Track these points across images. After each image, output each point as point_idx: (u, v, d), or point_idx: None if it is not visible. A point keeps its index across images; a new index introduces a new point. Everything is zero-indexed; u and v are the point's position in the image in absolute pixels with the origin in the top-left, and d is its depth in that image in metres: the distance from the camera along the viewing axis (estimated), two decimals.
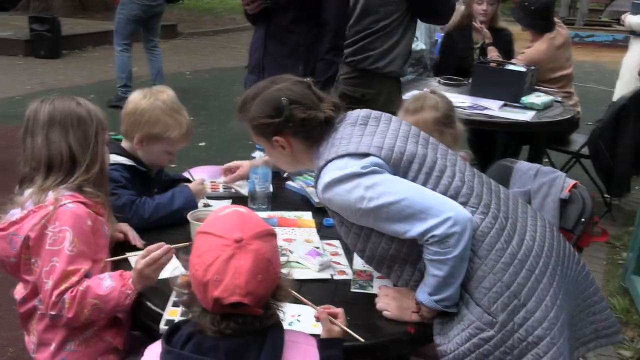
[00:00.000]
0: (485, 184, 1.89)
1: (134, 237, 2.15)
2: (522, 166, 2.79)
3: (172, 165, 2.50)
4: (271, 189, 2.46)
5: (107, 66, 7.31)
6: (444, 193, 1.77)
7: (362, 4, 3.51)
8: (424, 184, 1.77)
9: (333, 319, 1.64)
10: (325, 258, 2.07)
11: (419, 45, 4.93)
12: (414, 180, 1.77)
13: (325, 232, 2.31)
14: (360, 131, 1.84)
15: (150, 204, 2.26)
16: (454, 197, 1.77)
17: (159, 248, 1.82)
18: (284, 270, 1.47)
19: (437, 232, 1.65)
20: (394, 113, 2.15)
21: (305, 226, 2.33)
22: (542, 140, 4.71)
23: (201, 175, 2.56)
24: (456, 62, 5.20)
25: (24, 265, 1.88)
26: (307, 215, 2.42)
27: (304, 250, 2.09)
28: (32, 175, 1.92)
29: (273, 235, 1.43)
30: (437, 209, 1.68)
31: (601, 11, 16.97)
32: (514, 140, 4.71)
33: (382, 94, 3.61)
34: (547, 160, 5.03)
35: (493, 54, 5.01)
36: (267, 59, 3.21)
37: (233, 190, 2.62)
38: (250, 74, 3.34)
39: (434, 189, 1.77)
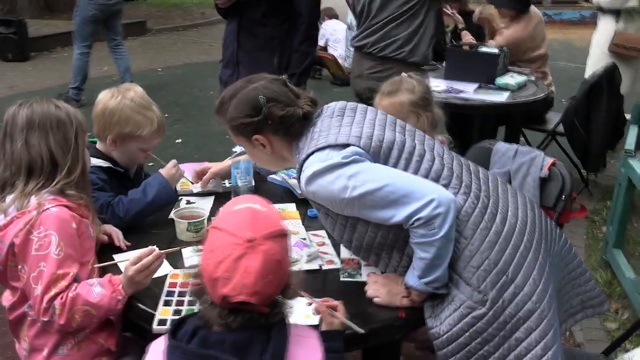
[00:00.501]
0: (464, 166, 1.92)
1: (119, 239, 2.14)
2: (501, 147, 2.83)
3: (150, 164, 2.48)
4: (253, 183, 2.46)
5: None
6: (425, 177, 1.79)
7: None
8: (405, 169, 1.80)
9: (333, 312, 1.66)
10: (312, 249, 2.08)
11: None
12: (394, 166, 1.80)
13: (310, 223, 2.32)
14: (338, 122, 1.86)
15: (124, 201, 2.25)
16: (436, 180, 1.80)
17: (150, 253, 1.81)
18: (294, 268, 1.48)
19: (422, 214, 1.67)
20: None
21: (289, 218, 2.33)
22: (518, 120, 4.76)
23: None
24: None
25: (11, 272, 1.86)
26: (290, 207, 2.42)
27: (291, 242, 2.09)
28: (12, 180, 1.90)
29: (285, 235, 1.44)
30: (420, 192, 1.70)
31: None
32: (490, 122, 4.76)
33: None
34: (523, 139, 5.08)
35: (467, 37, 5.05)
36: (241, 52, 3.21)
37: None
38: (225, 69, 3.33)
39: (415, 173, 1.79)
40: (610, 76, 4.67)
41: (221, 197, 2.51)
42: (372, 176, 1.72)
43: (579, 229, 4.31)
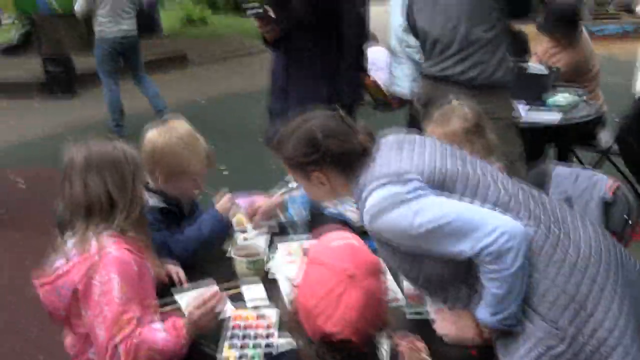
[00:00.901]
0: (530, 195, 1.85)
1: (180, 278, 2.12)
2: (561, 171, 2.74)
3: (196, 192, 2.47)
4: (309, 217, 2.42)
5: (124, 99, 7.34)
6: (493, 209, 1.73)
7: (466, 16, 3.19)
8: (471, 201, 1.74)
9: (419, 354, 1.62)
10: None
11: None
12: (460, 199, 1.74)
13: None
14: (398, 156, 1.82)
15: (180, 239, 2.24)
16: (503, 211, 1.73)
17: (213, 295, 1.78)
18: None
19: (493, 248, 1.61)
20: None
21: None
22: (568, 139, 4.64)
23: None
24: None
25: (75, 318, 1.85)
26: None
27: None
28: (71, 221, 1.90)
29: (383, 272, 1.42)
30: (490, 226, 1.64)
31: (607, 3, 16.87)
32: (539, 141, 4.65)
33: (503, 105, 3.39)
34: (575, 159, 4.95)
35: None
36: (290, 83, 3.20)
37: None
38: (274, 101, 3.33)
39: (481, 205, 1.73)
40: None
41: (277, 233, 2.48)
42: (438, 211, 1.67)
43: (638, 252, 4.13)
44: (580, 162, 4.79)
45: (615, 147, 4.60)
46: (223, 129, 7.34)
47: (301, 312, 1.37)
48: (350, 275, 1.32)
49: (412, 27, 3.65)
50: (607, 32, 13.34)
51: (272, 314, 1.92)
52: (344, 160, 1.85)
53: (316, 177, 1.89)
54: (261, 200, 2.59)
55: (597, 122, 4.51)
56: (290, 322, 1.44)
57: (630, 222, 2.53)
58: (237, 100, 8.95)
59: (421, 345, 1.65)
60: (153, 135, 2.31)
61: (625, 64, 7.88)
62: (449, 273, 1.76)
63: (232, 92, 9.47)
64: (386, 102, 7.88)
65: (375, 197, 1.75)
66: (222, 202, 2.32)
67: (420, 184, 1.72)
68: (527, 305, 1.69)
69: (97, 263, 1.80)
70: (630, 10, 13.29)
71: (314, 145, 1.84)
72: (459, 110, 2.46)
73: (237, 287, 1.97)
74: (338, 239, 1.45)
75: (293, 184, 2.44)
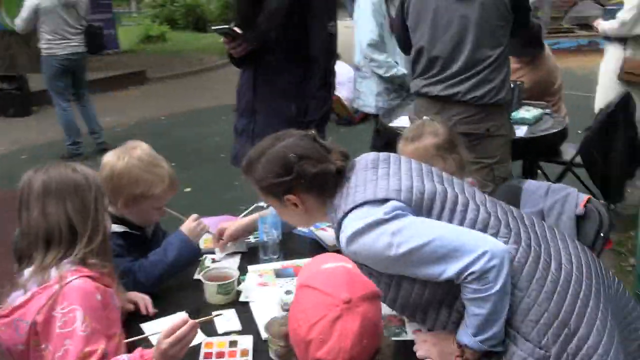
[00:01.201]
0: (508, 212, 1.82)
1: (146, 306, 2.02)
2: (531, 186, 2.72)
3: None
4: (280, 237, 2.35)
5: (80, 118, 7.16)
6: (472, 227, 1.69)
7: (473, 35, 3.08)
8: (450, 221, 1.70)
9: None
10: None
11: (399, 70, 4.89)
12: (438, 218, 1.70)
13: None
14: (374, 175, 1.77)
15: (144, 265, 2.13)
16: (483, 230, 1.70)
17: (184, 324, 1.69)
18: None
19: (475, 268, 1.57)
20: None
21: None
22: (534, 153, 4.67)
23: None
24: None
25: (34, 352, 1.73)
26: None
27: None
28: (29, 251, 1.78)
29: (379, 297, 1.37)
30: (471, 245, 1.59)
31: (560, 18, 17.27)
32: None
33: (504, 123, 3.32)
34: (539, 172, 4.98)
35: None
36: (257, 101, 3.13)
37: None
38: (240, 118, 3.25)
39: (460, 224, 1.69)
40: (625, 105, 4.59)
41: (247, 255, 2.39)
42: (417, 231, 1.62)
43: (606, 261, 4.16)
44: (546, 176, 4.82)
45: (578, 159, 4.64)
46: (185, 146, 7.23)
47: (293, 338, 1.31)
48: (345, 301, 1.27)
49: (402, 43, 3.54)
50: (562, 47, 13.64)
51: (245, 341, 1.83)
52: (318, 182, 1.79)
53: (289, 201, 1.82)
54: (229, 222, 2.51)
55: (561, 134, 4.55)
56: (281, 349, 1.38)
57: (602, 235, 2.52)
58: (199, 116, 8.84)
59: None
60: (111, 158, 2.19)
61: (583, 78, 8.04)
62: (428, 294, 1.71)
63: (193, 109, 9.36)
64: (349, 118, 7.91)
65: (351, 219, 1.69)
66: (189, 224, 2.23)
67: (397, 204, 1.67)
68: (509, 325, 1.64)
69: (58, 293, 1.69)
70: (583, 25, 13.62)
71: (286, 167, 1.78)
72: (430, 126, 2.43)
73: (211, 319, 1.88)
74: (330, 262, 1.40)
75: (264, 204, 2.36)
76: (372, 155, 1.89)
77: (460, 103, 3.14)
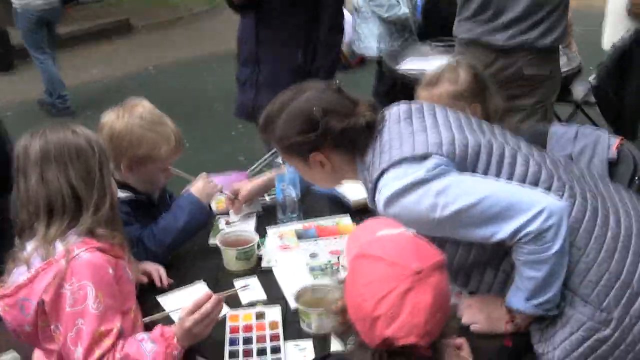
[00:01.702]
0: (558, 163, 1.66)
1: (161, 277, 1.86)
2: (559, 129, 2.55)
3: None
4: (299, 195, 2.18)
5: (66, 71, 6.86)
6: (522, 182, 1.53)
7: None
8: (497, 176, 1.54)
9: (459, 352, 1.42)
10: None
11: (401, 9, 4.65)
12: (484, 174, 1.54)
13: None
14: (409, 128, 1.59)
15: (154, 231, 1.96)
16: (534, 184, 1.54)
17: (207, 299, 1.53)
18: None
19: (531, 228, 1.42)
20: None
21: (347, 232, 2.06)
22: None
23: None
24: (441, 24, 4.95)
25: (43, 334, 1.58)
26: (345, 220, 2.15)
27: None
28: (31, 222, 1.62)
29: (446, 265, 1.22)
30: (526, 202, 1.44)
31: None
32: None
33: (558, 65, 3.09)
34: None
35: None
36: (261, 48, 2.92)
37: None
38: (243, 67, 3.04)
39: (509, 179, 1.53)
40: (637, 39, 4.40)
41: (263, 215, 2.23)
42: (464, 189, 1.46)
43: None
44: (557, 117, 4.66)
45: (588, 98, 4.49)
46: (177, 98, 6.95)
47: (354, 314, 1.17)
48: (416, 271, 1.12)
49: None
50: None
51: (273, 313, 1.68)
52: (347, 138, 1.61)
53: (315, 159, 1.64)
54: (241, 180, 2.33)
55: (574, 73, 4.38)
56: (337, 325, 1.24)
57: (637, 179, 2.37)
58: (189, 67, 8.52)
59: (460, 342, 1.45)
60: (110, 117, 1.98)
61: (585, 14, 7.77)
62: (474, 256, 1.57)
63: (183, 59, 9.02)
64: (345, 62, 7.65)
65: (388, 179, 1.52)
66: (199, 184, 2.05)
67: (440, 160, 1.50)
68: (566, 286, 1.50)
69: (66, 269, 1.53)
70: None
71: (311, 122, 1.59)
72: (451, 71, 2.23)
73: (234, 291, 1.73)
74: (385, 228, 1.24)
75: (280, 160, 2.19)
76: (403, 105, 1.70)
77: (525, 49, 2.85)
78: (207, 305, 1.53)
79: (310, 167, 1.68)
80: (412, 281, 1.11)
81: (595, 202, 1.55)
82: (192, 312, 1.53)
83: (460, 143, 1.54)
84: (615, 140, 2.39)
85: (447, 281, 1.17)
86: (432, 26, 4.95)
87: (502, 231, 1.44)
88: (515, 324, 1.56)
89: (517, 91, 2.79)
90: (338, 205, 2.25)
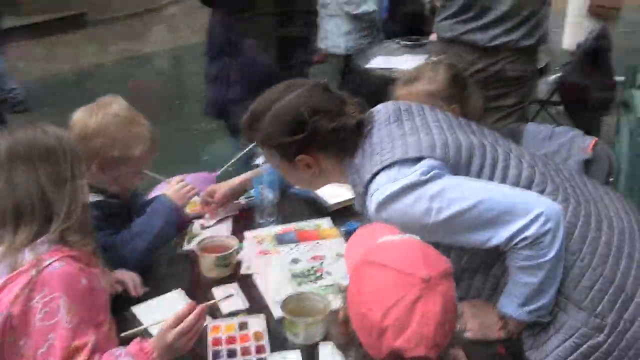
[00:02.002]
0: (548, 165, 1.63)
1: (135, 287, 1.77)
2: (533, 128, 2.54)
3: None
4: (278, 197, 2.11)
5: (19, 65, 6.60)
6: (516, 185, 1.49)
7: None
8: (490, 178, 1.51)
9: None
10: None
11: (369, 5, 4.60)
12: (478, 176, 1.50)
13: None
14: (399, 130, 1.54)
15: (127, 238, 1.86)
16: (528, 187, 1.51)
17: (190, 311, 1.45)
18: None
19: (528, 233, 1.38)
20: None
21: (329, 237, 1.99)
22: None
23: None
24: (406, 22, 4.94)
25: (10, 350, 1.47)
26: (326, 223, 2.08)
27: (342, 270, 1.76)
28: None
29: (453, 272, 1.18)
30: (523, 206, 1.40)
31: None
32: None
33: (537, 66, 3.04)
34: None
35: None
36: (233, 43, 2.82)
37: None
38: (212, 62, 2.95)
39: (502, 182, 1.49)
40: (602, 38, 4.46)
41: (239, 218, 2.15)
42: (459, 193, 1.42)
43: None
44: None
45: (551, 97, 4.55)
46: (136, 94, 6.78)
47: (359, 325, 1.11)
48: (425, 279, 1.06)
49: None
50: None
51: (256, 322, 1.61)
52: (336, 139, 1.55)
53: (302, 161, 1.57)
54: (211, 180, 2.25)
55: (540, 71, 4.41)
56: (340, 336, 1.20)
57: (612, 179, 2.37)
58: (148, 62, 8.35)
59: (459, 354, 1.40)
60: (83, 115, 1.87)
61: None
62: (466, 262, 1.54)
63: (142, 54, 8.83)
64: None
65: (380, 182, 1.46)
66: (174, 187, 1.96)
67: (433, 163, 1.45)
68: (559, 292, 1.47)
69: (35, 280, 1.43)
70: None
71: (298, 123, 1.53)
72: (431, 70, 2.18)
73: (218, 300, 1.66)
74: (387, 233, 1.18)
75: (259, 161, 2.11)
76: (390, 105, 1.65)
77: (508, 49, 2.79)
78: (191, 318, 1.45)
79: (296, 169, 1.61)
80: (421, 290, 1.06)
81: (588, 205, 1.53)
82: (174, 325, 1.44)
83: (453, 145, 1.49)
84: (590, 141, 2.39)
85: (454, 289, 1.12)
86: (397, 24, 4.94)
87: (498, 236, 1.40)
88: (508, 330, 1.53)
89: (497, 91, 2.76)
90: (316, 208, 2.19)
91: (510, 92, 2.71)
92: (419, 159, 1.45)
